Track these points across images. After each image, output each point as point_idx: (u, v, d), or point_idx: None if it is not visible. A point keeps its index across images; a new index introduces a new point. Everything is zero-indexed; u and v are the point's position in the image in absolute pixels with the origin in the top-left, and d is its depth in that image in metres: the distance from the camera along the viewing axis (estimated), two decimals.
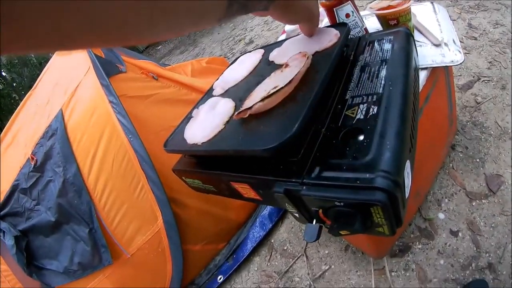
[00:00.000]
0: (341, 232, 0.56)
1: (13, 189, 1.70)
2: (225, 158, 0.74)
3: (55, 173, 1.58)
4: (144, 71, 1.90)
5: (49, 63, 2.20)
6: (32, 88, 2.12)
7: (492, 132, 1.71)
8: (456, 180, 1.59)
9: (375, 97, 0.63)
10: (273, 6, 0.55)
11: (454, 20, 2.55)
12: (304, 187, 0.55)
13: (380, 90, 0.64)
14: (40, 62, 10.01)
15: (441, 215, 1.50)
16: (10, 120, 2.00)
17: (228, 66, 1.08)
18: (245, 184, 0.69)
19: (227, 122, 0.75)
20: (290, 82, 0.65)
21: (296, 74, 0.67)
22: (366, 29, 1.05)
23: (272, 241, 1.86)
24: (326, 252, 1.66)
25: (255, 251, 1.84)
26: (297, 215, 0.63)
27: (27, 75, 9.96)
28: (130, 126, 1.48)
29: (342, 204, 0.52)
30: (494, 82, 1.94)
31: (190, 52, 7.11)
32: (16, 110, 2.04)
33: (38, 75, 2.18)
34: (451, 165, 1.65)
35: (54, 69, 2.11)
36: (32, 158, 1.65)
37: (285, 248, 1.80)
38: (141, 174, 1.46)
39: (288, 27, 1.44)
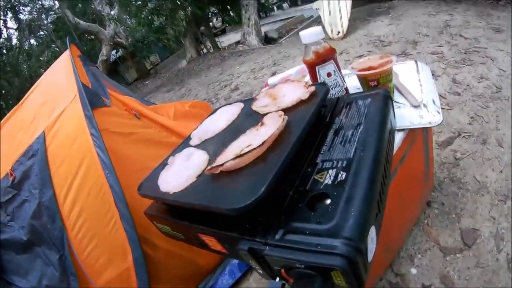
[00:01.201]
0: None
1: None
2: (194, 210, 0.74)
3: (32, 194, 1.55)
4: (127, 108, 1.91)
5: (40, 79, 2.19)
6: (20, 102, 2.10)
7: (469, 188, 1.73)
8: (430, 236, 1.59)
9: (345, 162, 0.65)
10: None
11: (439, 76, 2.61)
12: (267, 247, 0.56)
13: (351, 155, 0.65)
14: (31, 75, 9.98)
15: (413, 270, 1.50)
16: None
17: (208, 116, 1.10)
18: (212, 237, 0.70)
19: (200, 175, 0.76)
20: (262, 143, 0.67)
21: (270, 136, 0.68)
22: (346, 89, 1.07)
23: None
24: None
25: None
26: (260, 271, 0.64)
27: (16, 86, 9.91)
28: (108, 161, 1.48)
29: (302, 266, 0.53)
30: (475, 137, 1.98)
31: (176, 91, 7.17)
32: (1, 122, 2.02)
33: (27, 87, 2.16)
34: (426, 221, 1.66)
35: (44, 87, 2.10)
36: (11, 174, 1.63)
37: None
38: (114, 210, 1.45)
39: (271, 80, 1.46)
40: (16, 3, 10.47)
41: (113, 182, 1.45)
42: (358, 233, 0.51)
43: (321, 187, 0.61)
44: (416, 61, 1.29)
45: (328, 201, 0.58)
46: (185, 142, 0.99)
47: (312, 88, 0.85)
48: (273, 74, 4.78)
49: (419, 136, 1.25)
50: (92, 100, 1.69)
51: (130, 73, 13.95)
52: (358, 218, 0.53)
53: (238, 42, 9.55)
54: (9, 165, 1.68)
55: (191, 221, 0.73)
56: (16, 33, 11.04)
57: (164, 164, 0.91)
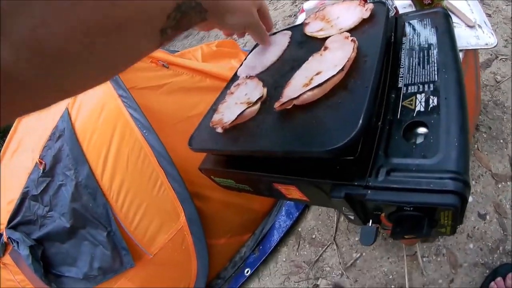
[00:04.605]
0: (406, 237, 0.51)
1: (24, 197, 1.62)
2: (267, 157, 0.68)
3: (66, 176, 1.49)
4: (153, 60, 1.76)
5: None
6: None
7: None
8: (482, 162, 1.54)
9: (431, 86, 0.58)
10: (210, 12, 0.51)
11: None
12: (369, 191, 0.50)
13: (436, 78, 0.59)
14: None
15: (470, 198, 1.46)
16: (14, 124, 1.90)
17: (251, 51, 0.99)
18: (292, 186, 0.63)
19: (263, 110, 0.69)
20: (342, 68, 0.59)
21: (348, 60, 0.60)
22: (396, 8, 0.98)
23: (300, 229, 1.80)
24: (356, 239, 1.62)
25: (282, 240, 1.79)
26: (352, 217, 0.58)
27: None
28: (144, 120, 1.40)
29: (411, 208, 0.47)
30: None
31: (194, 36, 6.91)
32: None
33: None
34: (476, 146, 1.60)
35: None
36: (41, 163, 1.57)
37: (314, 236, 1.75)
38: (159, 170, 1.39)
39: (307, 5, 1.36)
40: None
41: (154, 141, 1.39)
42: (464, 165, 0.46)
43: (414, 114, 0.54)
44: None
45: (424, 130, 0.52)
46: (232, 82, 0.90)
47: (371, 5, 0.75)
48: (294, 2, 4.52)
49: (471, 57, 1.17)
50: None
51: None
52: (461, 149, 0.47)
53: None
54: (37, 153, 1.61)
55: (266, 171, 0.65)
56: None
57: (213, 110, 0.82)
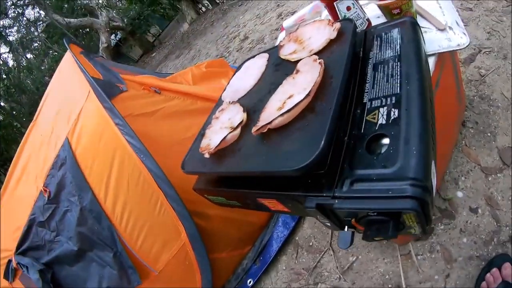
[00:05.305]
0: (376, 238, 0.56)
1: (30, 223, 1.69)
2: (252, 176, 0.73)
3: (71, 202, 1.55)
4: (145, 87, 1.86)
5: (47, 90, 2.14)
6: (34, 118, 2.06)
7: (499, 104, 1.67)
8: (470, 157, 1.56)
9: (393, 98, 0.62)
10: None
11: None
12: (336, 201, 0.55)
13: (398, 90, 0.63)
14: (37, 87, 9.99)
15: (460, 194, 1.48)
16: (17, 153, 1.97)
17: (234, 74, 1.06)
18: (273, 199, 0.69)
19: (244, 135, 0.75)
20: (309, 93, 0.64)
21: (314, 84, 0.65)
22: (368, 20, 1.02)
23: (297, 238, 1.84)
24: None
25: (281, 250, 1.83)
26: (328, 224, 0.63)
27: (25, 102, 9.93)
28: (140, 146, 1.45)
29: (375, 213, 0.52)
30: (495, 52, 1.90)
31: (185, 55, 7.00)
32: (21, 143, 2.00)
33: (37, 100, 2.13)
34: (463, 142, 1.62)
35: (53, 96, 2.07)
36: (45, 190, 1.63)
37: (311, 244, 1.78)
38: (158, 192, 1.44)
39: (287, 23, 1.41)
40: (1, 29, 10.35)
41: (151, 165, 1.43)
42: (424, 171, 0.51)
43: (376, 128, 0.59)
44: None
45: (386, 142, 0.57)
46: (217, 107, 0.96)
47: (338, 25, 0.81)
48: (279, 15, 4.61)
49: (448, 57, 1.20)
50: (108, 90, 1.65)
51: (135, 51, 13.83)
52: (421, 156, 0.52)
53: None
54: (41, 182, 1.67)
55: (249, 188, 0.71)
56: (11, 55, 11.05)
57: (201, 135, 0.89)
